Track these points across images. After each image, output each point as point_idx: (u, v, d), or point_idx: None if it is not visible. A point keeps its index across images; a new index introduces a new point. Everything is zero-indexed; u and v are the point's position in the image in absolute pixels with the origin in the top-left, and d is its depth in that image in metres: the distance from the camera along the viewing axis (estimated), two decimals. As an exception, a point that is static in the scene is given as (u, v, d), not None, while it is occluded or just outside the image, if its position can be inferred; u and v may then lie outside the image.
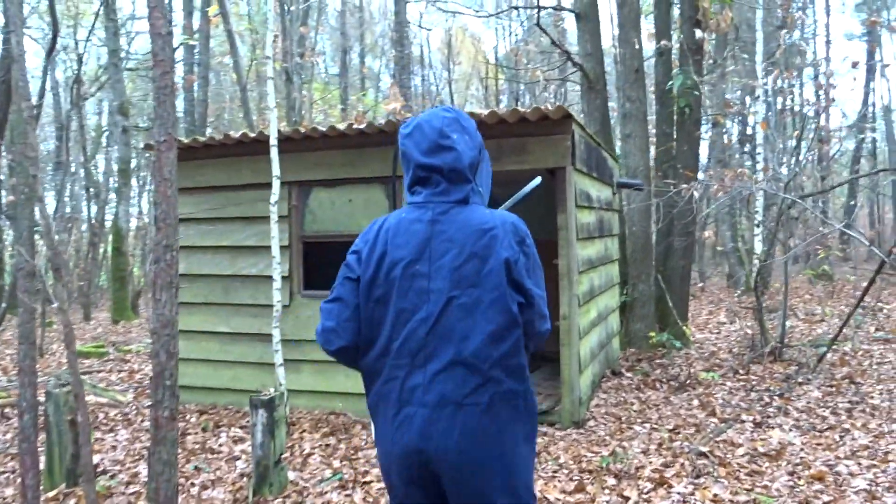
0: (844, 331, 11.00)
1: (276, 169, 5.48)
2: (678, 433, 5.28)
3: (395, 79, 14.44)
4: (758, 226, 14.23)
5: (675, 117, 9.21)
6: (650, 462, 4.58)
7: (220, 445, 5.17)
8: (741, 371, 7.55)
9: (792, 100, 16.68)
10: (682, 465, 4.49)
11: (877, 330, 10.66)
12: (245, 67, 12.75)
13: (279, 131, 6.21)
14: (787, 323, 11.25)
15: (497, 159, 5.72)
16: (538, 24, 8.84)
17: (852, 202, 20.16)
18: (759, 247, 14.32)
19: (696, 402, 6.17)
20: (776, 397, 6.32)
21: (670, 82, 9.12)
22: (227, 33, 11.16)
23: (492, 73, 21.08)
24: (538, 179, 2.99)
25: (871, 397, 6.29)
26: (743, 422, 5.54)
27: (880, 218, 27.29)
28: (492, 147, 5.88)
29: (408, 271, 2.11)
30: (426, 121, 2.21)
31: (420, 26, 22.75)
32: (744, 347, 9.12)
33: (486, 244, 2.09)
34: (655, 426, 5.46)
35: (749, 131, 15.86)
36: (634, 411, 5.91)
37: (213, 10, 11.48)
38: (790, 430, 5.27)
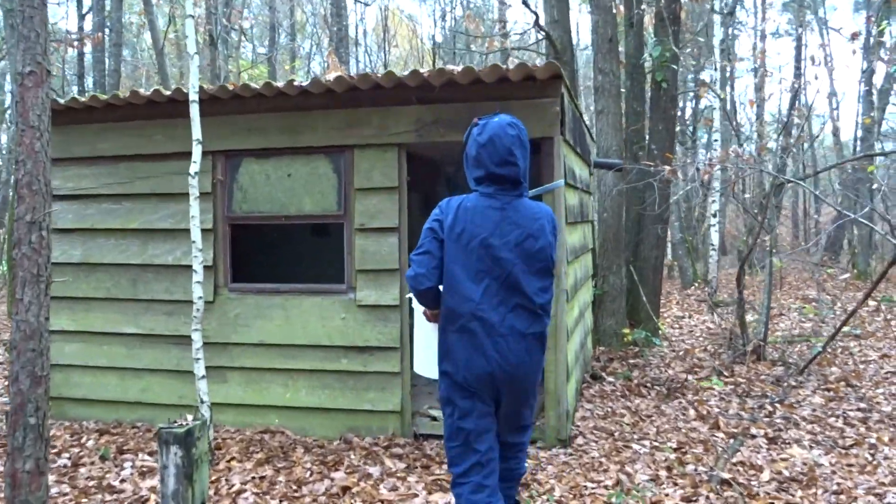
0: (808, 326, 10.69)
1: (196, 131, 4.42)
2: (685, 453, 4.54)
3: (332, 47, 13.31)
4: (714, 215, 13.83)
5: (648, 94, 8.51)
6: (666, 495, 3.79)
7: (123, 482, 4.11)
8: (725, 373, 6.92)
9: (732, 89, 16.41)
10: (708, 498, 3.72)
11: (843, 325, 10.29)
12: (162, 30, 11.41)
13: (202, 88, 5.13)
14: (747, 317, 10.86)
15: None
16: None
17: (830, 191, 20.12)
18: (715, 237, 13.94)
19: (692, 413, 5.45)
20: (776, 404, 5.68)
21: (644, 55, 8.41)
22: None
23: (430, 57, 20.12)
24: (561, 182, 3.91)
25: (878, 403, 5.73)
26: (754, 437, 4.84)
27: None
28: (466, 112, 5.00)
29: (484, 243, 2.93)
30: (497, 136, 3.05)
31: (357, 0, 21.60)
32: (717, 345, 8.56)
33: (538, 228, 3.02)
34: (656, 444, 4.70)
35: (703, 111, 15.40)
36: (626, 424, 5.14)
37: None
38: (811, 448, 4.60)
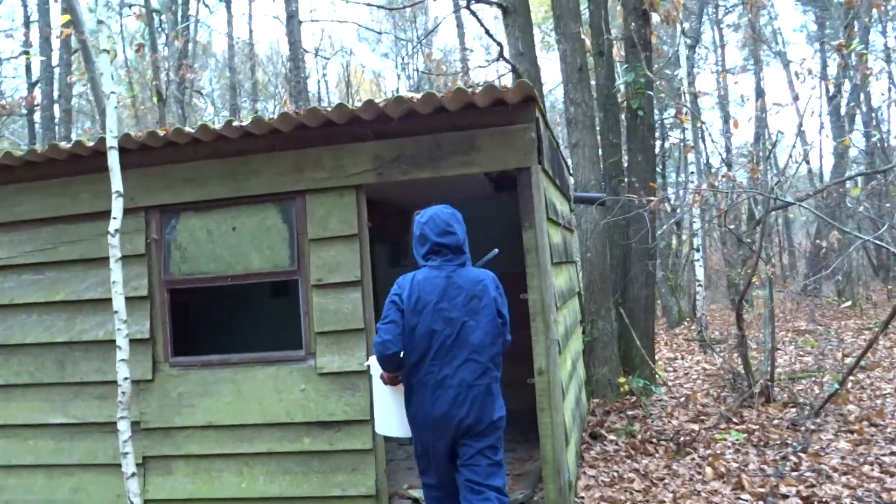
0: (808, 360, 10.17)
1: (116, 182, 3.82)
2: (712, 525, 3.89)
3: (288, 97, 12.86)
4: (697, 250, 13.41)
5: (624, 123, 8.10)
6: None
7: None
8: (735, 420, 6.32)
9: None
10: (751, 586, 3.08)
11: (844, 356, 9.79)
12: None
13: (129, 136, 4.55)
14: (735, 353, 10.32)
15: (435, 161, 4.29)
16: (468, 8, 7.57)
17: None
18: (700, 273, 13.49)
19: (708, 471, 4.82)
20: (800, 454, 5.08)
21: (616, 84, 8.03)
22: (81, 44, 9.34)
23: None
24: (496, 251, 4.15)
25: (912, 444, 5.16)
26: (785, 497, 4.22)
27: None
28: (430, 146, 4.46)
29: (436, 307, 3.45)
30: (436, 213, 3.67)
31: (317, 54, 21.40)
32: (719, 387, 7.98)
33: (481, 289, 3.53)
34: (676, 515, 4.05)
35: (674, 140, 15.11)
36: (637, 492, 4.49)
37: (65, 19, 9.65)
38: (855, 507, 3.99)
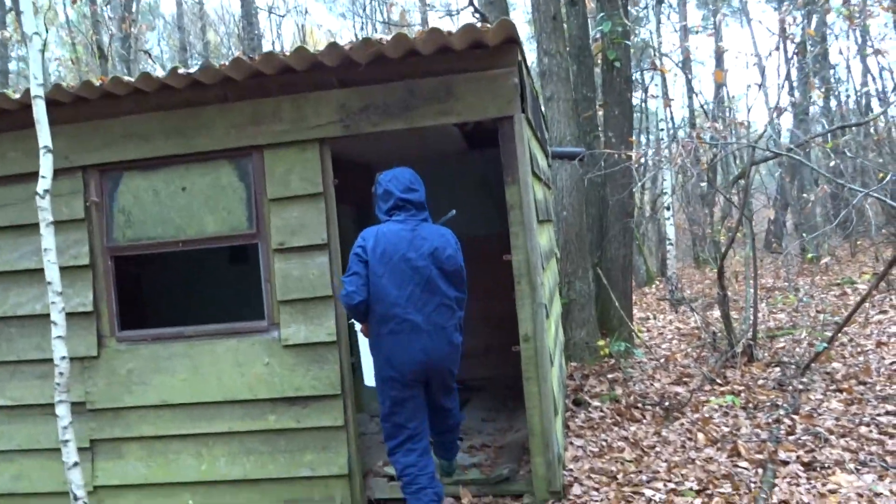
0: (782, 317, 10.12)
1: (44, 136, 3.36)
2: (711, 495, 3.68)
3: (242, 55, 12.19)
4: (668, 208, 13.24)
5: (600, 76, 7.75)
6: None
7: None
8: (719, 381, 6.14)
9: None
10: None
11: (818, 312, 9.72)
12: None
13: (60, 88, 4.06)
14: (711, 313, 10.20)
15: (408, 110, 3.91)
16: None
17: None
18: (670, 231, 13.35)
19: (700, 437, 4.61)
20: (793, 416, 4.90)
21: (590, 35, 7.66)
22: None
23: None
24: (453, 212, 4.21)
25: (905, 403, 5.02)
26: (786, 463, 4.02)
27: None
28: (402, 93, 4.05)
29: (404, 257, 3.55)
30: (399, 171, 3.76)
31: (270, 13, 20.55)
32: (696, 348, 7.82)
33: (444, 241, 3.66)
34: (672, 485, 3.82)
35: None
36: (629, 462, 4.26)
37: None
38: (858, 472, 3.80)
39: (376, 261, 3.51)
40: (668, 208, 13.21)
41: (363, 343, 3.95)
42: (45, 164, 3.35)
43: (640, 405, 5.46)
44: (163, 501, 4.29)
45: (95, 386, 4.30)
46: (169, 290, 7.21)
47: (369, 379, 3.91)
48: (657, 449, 4.45)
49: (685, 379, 6.38)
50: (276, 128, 4.07)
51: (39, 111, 3.32)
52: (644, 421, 5.09)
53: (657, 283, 16.09)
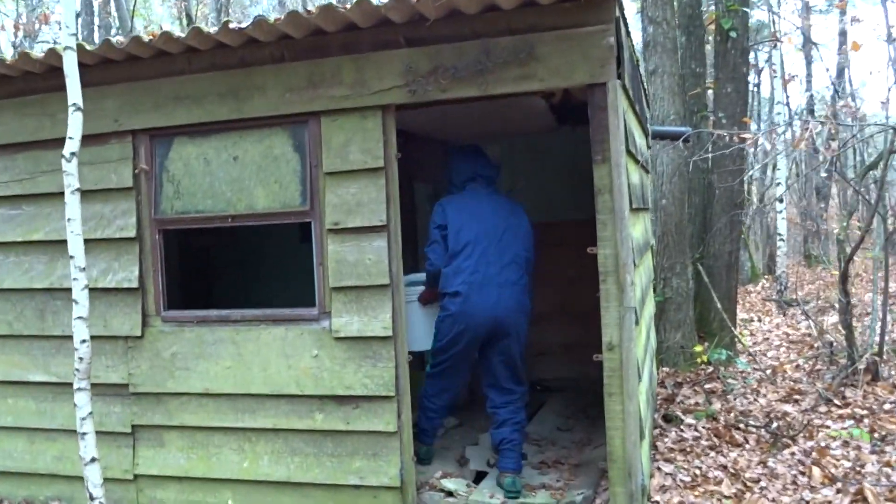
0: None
1: (74, 91, 3.04)
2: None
3: None
4: (780, 200, 12.13)
5: (710, 51, 6.95)
6: None
7: None
8: (837, 402, 5.35)
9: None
10: None
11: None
12: None
13: (109, 44, 3.76)
14: (825, 320, 9.18)
15: (482, 74, 3.37)
16: None
17: None
18: (782, 226, 12.24)
19: (816, 473, 3.91)
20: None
21: (702, 4, 6.85)
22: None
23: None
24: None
25: None
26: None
27: None
28: (476, 53, 3.49)
29: (479, 217, 3.96)
30: (474, 148, 4.37)
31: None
32: (809, 359, 6.96)
33: (518, 210, 4.17)
34: (781, 536, 3.17)
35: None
36: (727, 499, 3.62)
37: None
38: None
39: (452, 221, 3.93)
40: (780, 200, 12.10)
41: (413, 309, 4.26)
42: (74, 124, 3.03)
43: (741, 425, 4.77)
44: (202, 497, 3.99)
45: (139, 368, 4.04)
46: (240, 266, 7.00)
47: (413, 343, 4.07)
48: (762, 484, 3.79)
49: (796, 396, 5.61)
50: (335, 92, 3.63)
51: (69, 64, 3.01)
52: (747, 446, 4.41)
53: (763, 281, 14.92)
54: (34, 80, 4.14)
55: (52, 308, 4.22)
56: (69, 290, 4.12)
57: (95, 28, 15.18)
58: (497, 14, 3.38)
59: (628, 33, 3.81)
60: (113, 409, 4.11)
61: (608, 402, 3.36)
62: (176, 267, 6.57)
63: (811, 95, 18.08)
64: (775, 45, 11.80)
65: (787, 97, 14.37)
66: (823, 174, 10.68)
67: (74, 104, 3.00)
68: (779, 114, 12.39)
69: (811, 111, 17.60)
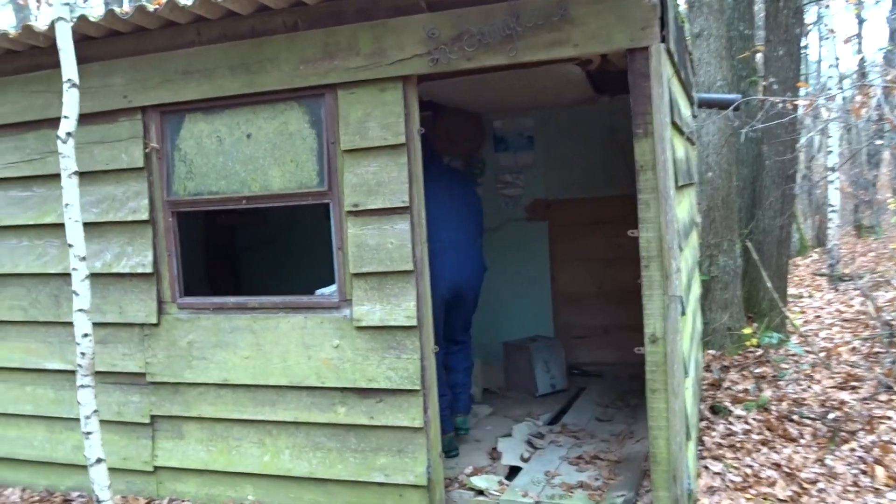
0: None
1: (69, 67, 2.82)
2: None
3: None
4: (832, 169, 11.53)
5: (762, 9, 6.48)
6: None
7: None
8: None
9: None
10: None
11: None
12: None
13: (114, 14, 3.54)
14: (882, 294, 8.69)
15: (510, 40, 3.08)
16: None
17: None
18: (834, 196, 11.66)
19: (880, 473, 3.60)
20: None
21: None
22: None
23: None
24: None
25: None
26: None
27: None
28: (500, 16, 3.19)
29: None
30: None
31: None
32: (866, 340, 6.56)
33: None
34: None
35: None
36: (782, 503, 3.32)
37: None
38: None
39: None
40: (832, 169, 11.50)
41: None
42: (70, 102, 2.83)
43: (795, 417, 4.45)
44: (223, 491, 3.85)
45: (155, 357, 3.88)
46: (266, 244, 6.82)
47: None
48: (820, 485, 3.49)
49: (853, 383, 5.26)
50: (352, 63, 3.36)
51: (62, 37, 2.79)
52: (802, 441, 4.10)
53: (812, 254, 14.35)
54: (40, 54, 3.95)
55: (66, 294, 4.07)
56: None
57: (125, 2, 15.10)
58: (527, -28, 3.07)
59: (672, -8, 3.45)
60: (131, 399, 3.98)
61: (651, 398, 3.09)
62: (201, 247, 6.48)
63: (862, 58, 17.19)
64: (827, 5, 11.14)
65: (837, 60, 13.62)
66: (879, 141, 10.05)
67: (70, 80, 2.79)
68: (830, 77, 11.71)
69: (863, 74, 16.78)
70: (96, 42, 3.82)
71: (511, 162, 6.01)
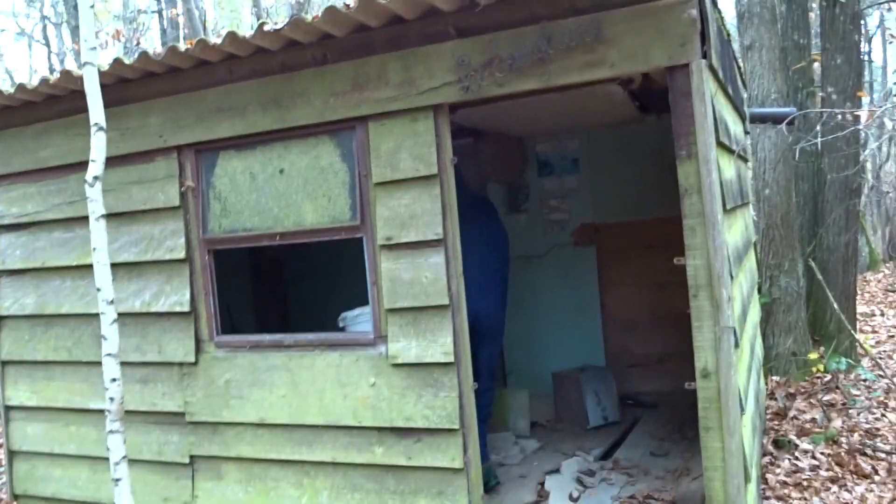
0: None
1: (96, 111, 2.83)
2: None
3: None
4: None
5: (814, 19, 6.22)
6: None
7: None
8: (984, 419, 4.61)
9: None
10: None
11: None
12: None
13: (147, 56, 3.57)
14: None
15: (543, 63, 2.97)
16: None
17: None
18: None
19: (967, 516, 3.28)
20: None
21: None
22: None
23: None
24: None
25: None
26: None
27: None
28: (531, 40, 3.07)
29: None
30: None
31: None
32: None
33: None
34: None
35: None
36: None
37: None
38: None
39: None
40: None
41: None
42: (97, 145, 2.83)
43: (868, 450, 4.15)
44: (262, 533, 3.77)
45: (194, 396, 3.86)
46: (314, 278, 6.79)
47: None
48: (899, 530, 3.21)
49: (932, 411, 4.90)
50: (382, 94, 3.30)
51: (89, 80, 2.80)
52: (876, 477, 3.81)
53: (884, 268, 13.69)
54: (80, 98, 3.99)
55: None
56: (124, 315, 4.03)
57: (181, 41, 15.55)
58: (559, -7, 2.96)
59: (715, 3, 3.29)
60: (171, 439, 3.96)
61: (705, 437, 2.89)
62: (249, 281, 6.50)
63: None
64: (889, 7, 10.69)
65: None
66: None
67: (96, 124, 2.80)
68: (895, 84, 11.24)
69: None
70: (133, 84, 3.87)
71: (556, 186, 5.86)
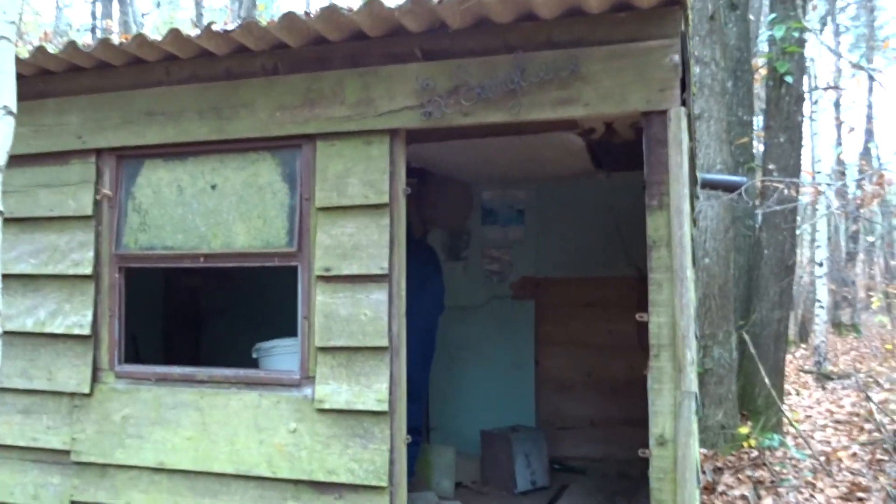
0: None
1: (7, 92, 2.45)
2: None
3: None
4: (820, 264, 11.38)
5: (762, 96, 6.38)
6: None
7: None
8: (910, 503, 4.58)
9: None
10: None
11: None
12: None
13: (76, 47, 3.22)
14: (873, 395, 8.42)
15: (513, 96, 2.79)
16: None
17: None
18: (822, 292, 11.47)
19: None
20: None
21: (761, 34, 6.30)
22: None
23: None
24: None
25: None
26: None
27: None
28: (503, 70, 2.89)
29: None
30: None
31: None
32: (868, 445, 6.20)
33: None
34: None
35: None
36: None
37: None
38: None
39: None
40: (820, 264, 11.36)
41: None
42: (3, 132, 2.44)
43: (805, 534, 4.03)
44: None
45: (84, 432, 3.39)
46: (233, 311, 6.34)
47: None
48: None
49: (860, 494, 4.86)
50: (335, 112, 3.05)
51: (4, 57, 2.43)
52: (815, 563, 3.67)
53: (799, 349, 14.14)
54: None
55: (-10, 354, 3.60)
56: (11, 333, 3.56)
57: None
58: (536, 24, 2.81)
59: (691, 55, 3.21)
60: (51, 481, 3.46)
61: (655, 514, 2.67)
62: (160, 309, 6.01)
63: (837, 158, 17.45)
64: (837, 89, 11.26)
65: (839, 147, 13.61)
66: (871, 238, 9.92)
67: (5, 107, 2.42)
68: (818, 172, 11.71)
69: (842, 172, 17.00)
70: (55, 77, 3.50)
71: (499, 236, 5.69)
